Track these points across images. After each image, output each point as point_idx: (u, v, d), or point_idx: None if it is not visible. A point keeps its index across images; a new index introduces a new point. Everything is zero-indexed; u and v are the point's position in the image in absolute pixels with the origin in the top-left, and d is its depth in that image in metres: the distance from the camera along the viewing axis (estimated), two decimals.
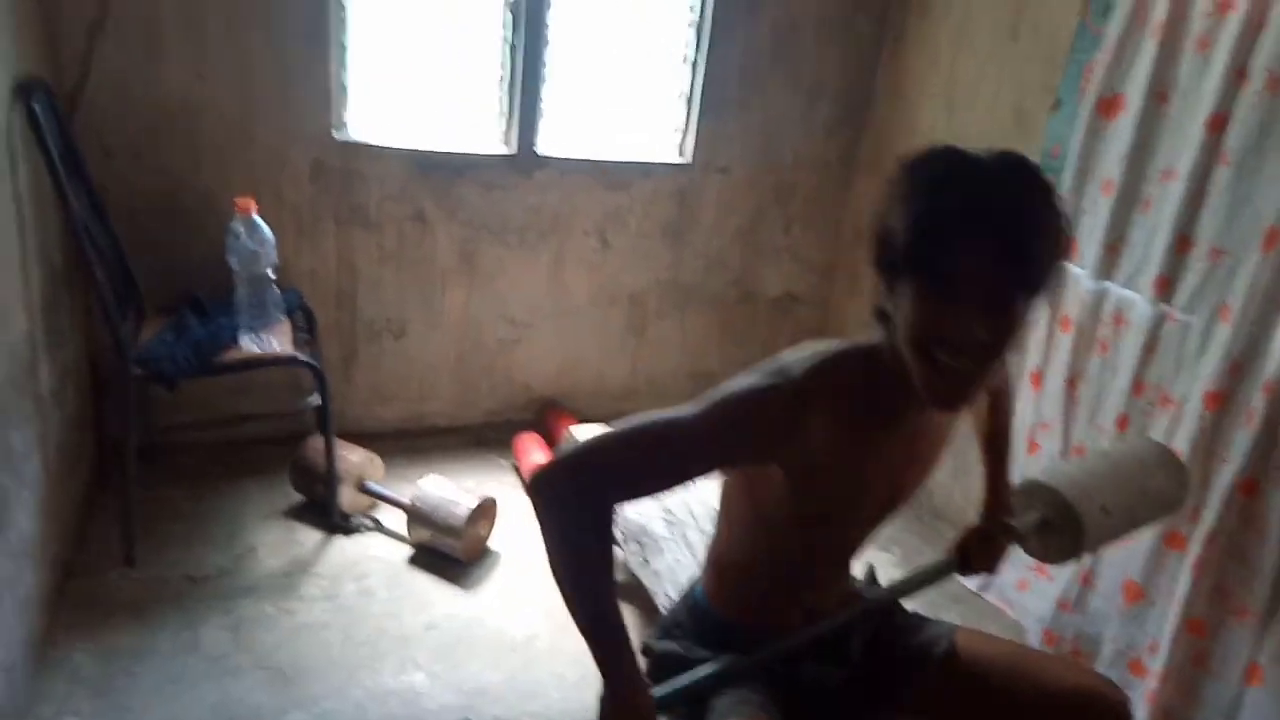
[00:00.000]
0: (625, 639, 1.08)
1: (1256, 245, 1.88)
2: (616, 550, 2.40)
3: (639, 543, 2.24)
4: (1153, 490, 1.53)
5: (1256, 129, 1.91)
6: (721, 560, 1.36)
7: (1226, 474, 1.94)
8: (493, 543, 2.53)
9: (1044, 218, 0.99)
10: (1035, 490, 1.49)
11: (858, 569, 1.52)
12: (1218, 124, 1.98)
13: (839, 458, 1.12)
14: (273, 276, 2.33)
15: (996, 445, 1.53)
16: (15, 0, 2.01)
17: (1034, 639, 2.40)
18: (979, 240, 0.96)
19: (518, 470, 2.90)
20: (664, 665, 1.32)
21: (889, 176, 1.05)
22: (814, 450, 1.09)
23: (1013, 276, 0.97)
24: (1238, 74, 1.94)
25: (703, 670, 1.25)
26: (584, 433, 2.50)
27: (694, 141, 3.08)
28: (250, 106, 2.53)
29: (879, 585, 1.51)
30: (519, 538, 2.58)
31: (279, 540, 2.43)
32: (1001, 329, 0.98)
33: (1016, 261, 0.96)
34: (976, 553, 1.49)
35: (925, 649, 1.37)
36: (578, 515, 1.04)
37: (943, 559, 1.50)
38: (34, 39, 2.16)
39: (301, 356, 2.31)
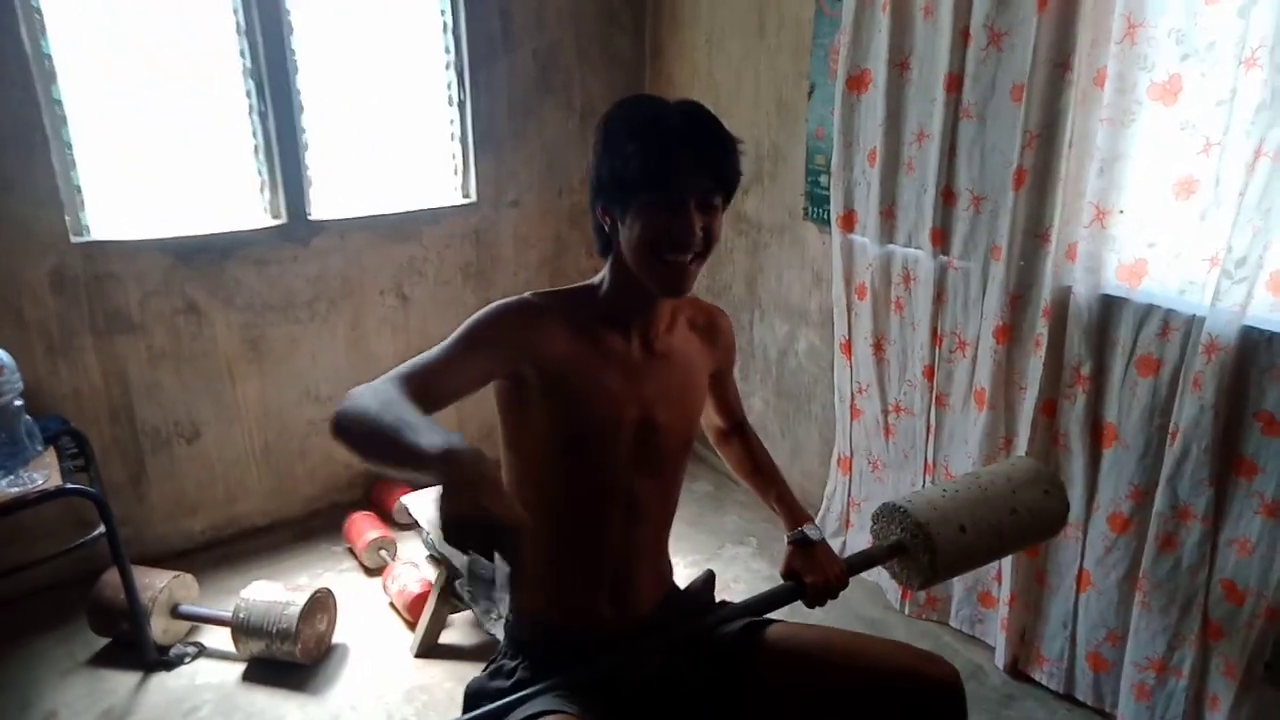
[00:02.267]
0: (426, 423, 1.01)
1: (1008, 186, 1.99)
2: (469, 613, 2.27)
3: (489, 599, 2.11)
4: (1024, 507, 1.46)
5: (988, 82, 2.03)
6: None
7: (1029, 400, 2.04)
8: (337, 637, 2.33)
9: (722, 129, 1.22)
10: (891, 514, 1.45)
11: (699, 576, 1.48)
12: (954, 83, 2.09)
13: (580, 365, 1.24)
14: (21, 405, 2.06)
15: (764, 471, 1.58)
16: None
17: (892, 596, 2.45)
18: (678, 151, 1.17)
19: (353, 554, 2.70)
20: (470, 703, 1.32)
21: (598, 129, 1.24)
22: (555, 356, 1.22)
23: (715, 181, 1.20)
24: (962, 35, 2.06)
25: (508, 700, 1.18)
26: (419, 501, 2.35)
27: (475, 180, 3.01)
28: None
29: (710, 593, 1.46)
30: (363, 623, 2.39)
31: (84, 694, 2.14)
32: (710, 224, 1.21)
33: (718, 169, 1.20)
34: (803, 568, 1.41)
35: (723, 658, 1.33)
36: (361, 406, 1.07)
37: (779, 586, 1.43)
38: None
39: (71, 485, 2.05)
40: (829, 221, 2.50)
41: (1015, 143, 1.96)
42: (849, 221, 2.44)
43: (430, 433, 0.99)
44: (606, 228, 1.26)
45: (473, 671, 1.39)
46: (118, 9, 2.38)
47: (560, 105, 3.11)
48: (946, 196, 2.19)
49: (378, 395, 1.08)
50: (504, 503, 0.94)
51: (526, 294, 1.27)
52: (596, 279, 1.30)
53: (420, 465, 0.98)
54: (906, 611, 2.41)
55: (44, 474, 2.07)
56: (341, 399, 1.11)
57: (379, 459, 1.07)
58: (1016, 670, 2.18)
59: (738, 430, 1.61)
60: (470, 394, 1.20)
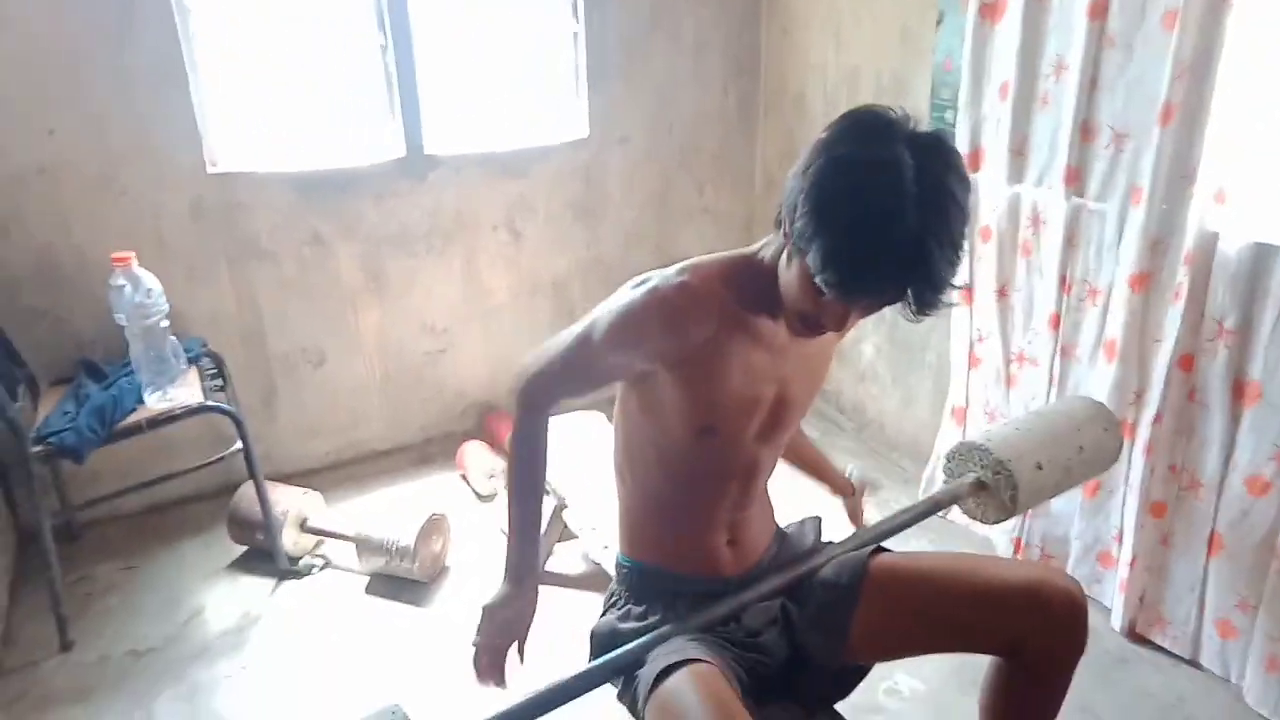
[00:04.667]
0: (532, 541, 1.32)
1: (1154, 122, 1.86)
2: (578, 542, 2.34)
3: (594, 529, 2.17)
4: (1088, 445, 1.52)
5: (1137, 8, 1.88)
6: (631, 510, 1.38)
7: (1163, 354, 1.93)
8: (449, 558, 2.44)
9: (952, 263, 1.00)
10: (970, 452, 1.48)
11: (804, 520, 1.49)
12: (1099, 10, 1.95)
13: (721, 349, 1.19)
14: (166, 327, 2.20)
15: (807, 448, 1.64)
16: None
17: (1003, 549, 2.39)
18: (875, 288, 1.02)
19: (465, 480, 2.80)
20: (600, 643, 1.34)
21: (815, 154, 1.02)
22: (697, 345, 1.17)
23: (906, 311, 1.04)
24: None
25: (636, 642, 1.23)
26: None
27: (588, 116, 3.00)
28: (112, 156, 2.38)
29: (817, 535, 1.47)
30: (475, 548, 2.50)
31: (225, 597, 2.32)
32: (865, 317, 1.13)
33: (903, 302, 1.03)
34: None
35: (834, 585, 1.33)
36: (528, 424, 1.30)
37: (885, 519, 1.45)
38: None
39: (213, 403, 2.19)
40: None
41: (1164, 74, 1.82)
42: (975, 159, 2.33)
43: (520, 544, 1.30)
44: (783, 230, 1.09)
45: (578, 598, 1.43)
46: None
47: (671, 39, 3.05)
48: (1084, 133, 2.06)
49: (527, 459, 1.31)
50: (508, 654, 1.30)
51: (685, 271, 1.18)
52: (761, 251, 1.21)
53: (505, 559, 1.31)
54: None
55: (188, 391, 2.22)
56: (523, 380, 1.29)
57: (507, 492, 1.34)
58: (1134, 633, 2.11)
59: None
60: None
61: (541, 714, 1.11)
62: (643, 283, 1.19)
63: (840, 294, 1.02)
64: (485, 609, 1.29)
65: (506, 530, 1.31)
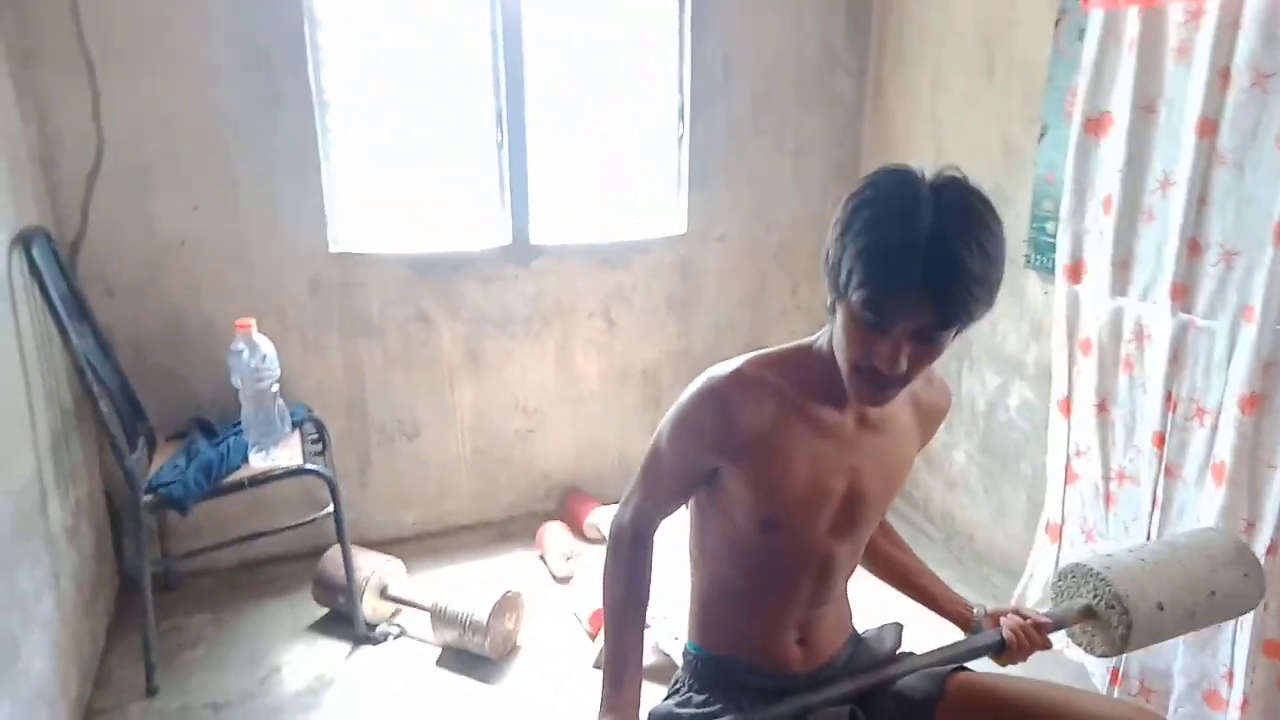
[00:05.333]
0: (630, 672, 1.28)
1: (1268, 241, 1.81)
2: (649, 632, 2.31)
3: (666, 618, 2.14)
4: (1221, 589, 1.37)
5: (1250, 127, 1.86)
6: (702, 598, 1.37)
7: (1277, 481, 1.83)
8: (521, 637, 2.44)
9: (973, 267, 1.01)
10: (1085, 576, 1.38)
11: (885, 625, 1.44)
12: (1208, 128, 1.93)
13: (781, 440, 1.18)
14: (276, 391, 2.33)
15: (917, 574, 1.49)
16: (15, 157, 2.10)
17: (1099, 681, 2.24)
18: (910, 300, 1.02)
19: (543, 560, 2.82)
20: None
21: (844, 202, 1.08)
22: (755, 433, 1.17)
23: (936, 321, 1.03)
24: (1221, 75, 1.90)
25: None
26: (607, 517, 2.43)
27: (687, 213, 3.09)
28: (245, 232, 2.58)
29: (896, 642, 1.41)
30: (547, 629, 2.49)
31: (303, 656, 2.37)
32: (921, 359, 1.08)
33: (942, 308, 1.02)
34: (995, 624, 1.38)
35: (909, 700, 1.27)
36: (623, 553, 1.32)
37: (974, 636, 1.38)
38: (33, 193, 2.25)
39: (310, 466, 2.29)
40: (1053, 270, 2.36)
41: (1278, 192, 1.78)
42: (1076, 272, 2.30)
43: (614, 676, 1.28)
44: (829, 299, 1.14)
45: (648, 689, 1.42)
46: (383, 44, 2.67)
47: (772, 145, 3.14)
48: (1192, 249, 2.01)
49: (622, 592, 1.32)
50: None
51: (740, 364, 1.20)
52: (819, 339, 1.22)
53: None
54: (1114, 697, 2.20)
55: (290, 454, 2.33)
56: (617, 513, 1.34)
57: (605, 627, 1.34)
58: None
59: (884, 528, 1.51)
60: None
61: None
62: (703, 378, 1.21)
63: (873, 305, 1.03)
64: None
65: (603, 664, 1.30)
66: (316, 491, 2.52)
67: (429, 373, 2.88)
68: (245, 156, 2.52)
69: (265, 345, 2.30)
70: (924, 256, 0.99)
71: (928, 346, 1.07)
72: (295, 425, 2.48)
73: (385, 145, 2.74)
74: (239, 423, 2.37)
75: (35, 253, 2.04)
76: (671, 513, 1.33)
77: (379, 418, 2.86)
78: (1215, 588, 1.37)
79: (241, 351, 2.27)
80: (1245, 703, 1.89)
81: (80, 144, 2.37)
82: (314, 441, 2.53)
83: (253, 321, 2.29)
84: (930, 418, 1.33)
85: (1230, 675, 1.94)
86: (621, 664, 1.28)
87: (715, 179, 3.09)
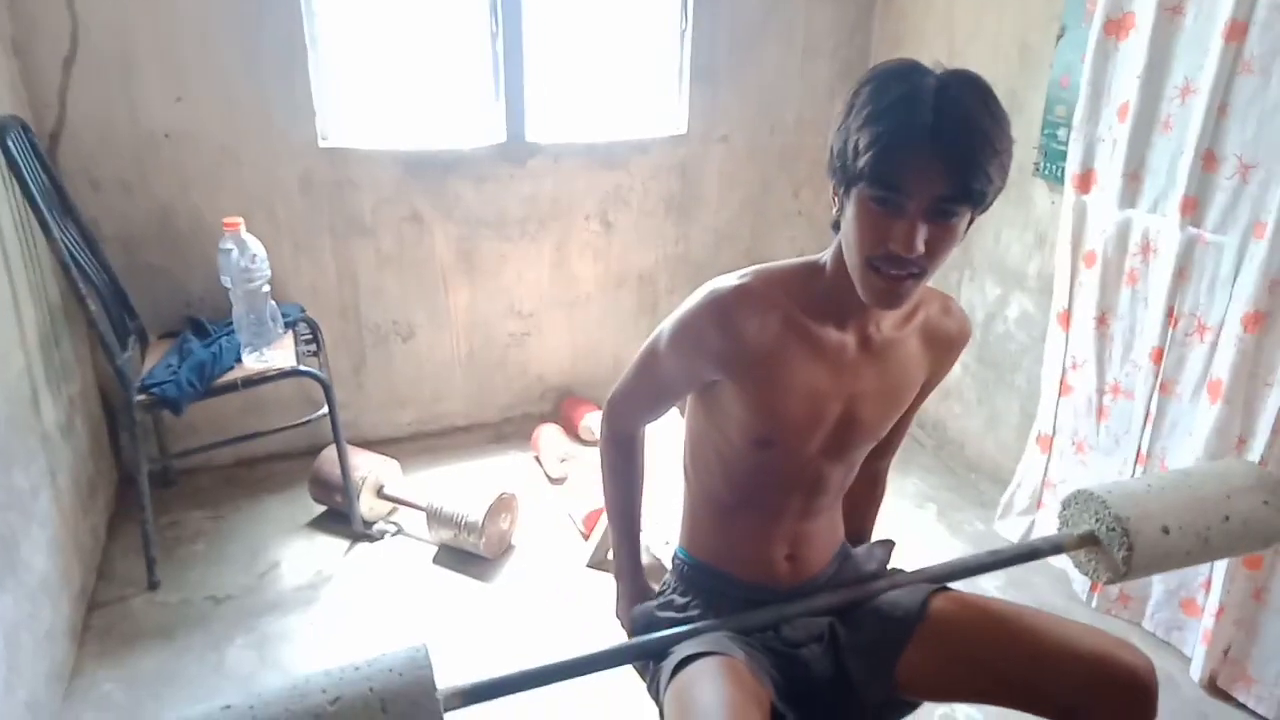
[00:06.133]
0: (635, 544, 1.43)
1: None
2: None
3: (658, 523, 2.17)
4: (1238, 515, 1.31)
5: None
6: (693, 509, 1.39)
7: (1273, 399, 1.83)
8: (516, 537, 2.48)
9: (987, 134, 0.99)
10: (1087, 501, 1.34)
11: (875, 543, 1.45)
12: (1237, 31, 1.85)
13: (781, 359, 1.16)
14: (267, 292, 2.30)
15: (861, 529, 1.52)
16: None
17: (1080, 589, 2.30)
18: (921, 158, 0.98)
19: (539, 461, 2.85)
20: (638, 626, 1.38)
21: (850, 91, 1.06)
22: (756, 350, 1.15)
23: (953, 193, 1.00)
24: None
25: (679, 629, 1.22)
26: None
27: (689, 113, 3.00)
28: (232, 125, 2.49)
29: (885, 558, 1.42)
30: (542, 529, 2.53)
31: (301, 553, 2.41)
32: (941, 237, 1.03)
33: (958, 178, 0.99)
34: None
35: (888, 618, 1.27)
36: (614, 444, 1.39)
37: (963, 557, 1.37)
38: (6, 80, 2.15)
39: (304, 368, 2.28)
40: (1062, 179, 2.30)
41: None
42: (1086, 181, 2.24)
43: (623, 552, 1.44)
44: (835, 205, 1.11)
45: None
46: None
47: (781, 41, 3.02)
48: (1207, 161, 1.96)
49: (616, 483, 1.42)
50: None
51: (744, 277, 1.16)
52: (823, 256, 1.18)
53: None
54: (1094, 605, 2.26)
55: (283, 355, 2.31)
56: (606, 408, 1.38)
57: (606, 509, 1.47)
58: (1214, 686, 2.00)
59: (876, 476, 1.48)
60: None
61: (565, 679, 1.13)
62: (707, 288, 1.19)
63: (884, 173, 0.99)
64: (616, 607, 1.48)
65: (614, 558, 1.46)
66: (312, 391, 2.52)
67: (423, 274, 2.84)
68: (229, 42, 2.42)
69: (255, 245, 2.26)
70: (932, 110, 0.97)
71: (944, 225, 1.02)
72: (288, 326, 2.45)
73: (374, 33, 2.63)
74: (230, 323, 2.34)
75: (10, 143, 1.96)
76: (660, 415, 1.35)
77: (373, 319, 2.83)
78: (1230, 513, 1.31)
79: (230, 251, 2.23)
80: (1221, 611, 1.94)
81: (54, 26, 2.26)
82: (308, 342, 2.51)
83: (241, 220, 2.24)
84: (943, 347, 1.28)
85: (1208, 584, 1.99)
86: (630, 556, 1.43)
87: (719, 77, 2.98)
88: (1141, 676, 1.14)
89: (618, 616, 1.47)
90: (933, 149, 0.97)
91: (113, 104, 2.38)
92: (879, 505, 1.53)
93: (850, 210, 1.06)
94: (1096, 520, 1.32)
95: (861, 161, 1.00)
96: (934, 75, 1.01)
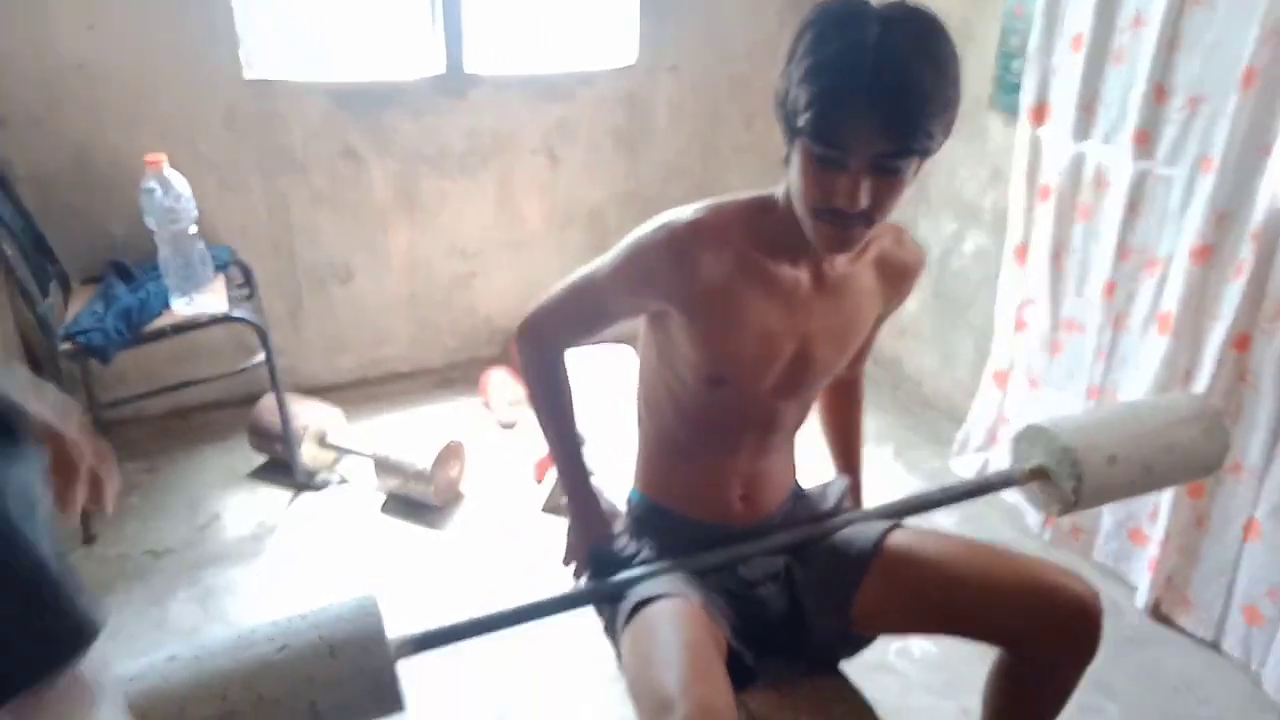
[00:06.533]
0: (579, 461, 1.33)
1: (1234, 87, 1.75)
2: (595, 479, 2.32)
3: (610, 464, 2.15)
4: (1180, 445, 1.36)
5: None
6: (647, 450, 1.37)
7: (1218, 331, 1.84)
8: (465, 484, 2.44)
9: (927, 93, 0.97)
10: (1036, 435, 1.37)
11: (831, 482, 1.44)
12: None
13: (734, 296, 1.14)
14: (195, 234, 2.18)
15: (850, 440, 1.52)
16: None
17: (1033, 522, 2.34)
18: (859, 117, 0.97)
19: (487, 406, 2.79)
20: (599, 568, 1.34)
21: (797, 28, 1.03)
22: (709, 287, 1.13)
23: (896, 147, 0.99)
24: None
25: (635, 571, 1.22)
26: None
27: (638, 42, 2.89)
28: (150, 56, 2.33)
29: (840, 498, 1.42)
30: (492, 475, 2.49)
31: (242, 504, 2.34)
32: (886, 188, 1.02)
33: (897, 137, 0.98)
34: None
35: (843, 555, 1.28)
36: (538, 361, 1.30)
37: (913, 495, 1.40)
38: None
39: (236, 313, 2.18)
40: (1017, 112, 2.27)
41: (1250, 37, 1.70)
42: (1040, 114, 2.21)
43: (571, 469, 1.33)
44: (785, 144, 1.09)
45: None
46: None
47: None
48: (1158, 94, 1.94)
49: (546, 395, 1.31)
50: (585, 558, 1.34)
51: (699, 211, 1.13)
52: (776, 191, 1.16)
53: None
54: (1046, 538, 2.30)
55: (215, 299, 2.20)
56: (529, 318, 1.28)
57: (540, 426, 1.34)
58: (1158, 612, 2.06)
59: (852, 383, 1.48)
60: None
61: (517, 624, 1.14)
62: (663, 218, 1.15)
63: (824, 132, 0.98)
64: (567, 534, 1.37)
65: (559, 472, 1.35)
66: (248, 338, 2.41)
67: (360, 213, 2.73)
68: None
69: (180, 183, 2.13)
70: (870, 69, 0.95)
71: (887, 178, 1.01)
72: (219, 269, 2.33)
73: None
74: (157, 267, 2.22)
75: None
76: (585, 341, 1.29)
77: (309, 261, 2.71)
78: (1173, 443, 1.36)
79: (154, 190, 2.10)
80: (1166, 539, 1.99)
81: None
82: (240, 286, 2.39)
83: (164, 156, 2.10)
84: (897, 278, 1.27)
85: (1155, 514, 2.03)
86: (578, 478, 1.34)
87: (667, 4, 2.87)
88: (1088, 604, 1.17)
89: (571, 557, 1.36)
90: (870, 108, 0.96)
91: (17, 32, 2.21)
92: (860, 412, 1.52)
93: (795, 160, 1.05)
94: (1047, 454, 1.35)
95: (802, 120, 0.99)
96: (877, 21, 0.96)
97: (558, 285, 1.26)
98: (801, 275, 1.17)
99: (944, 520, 2.31)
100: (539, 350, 1.29)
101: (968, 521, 2.32)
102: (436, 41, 2.64)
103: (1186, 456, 1.37)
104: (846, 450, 1.52)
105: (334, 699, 0.99)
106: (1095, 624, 1.17)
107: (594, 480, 1.37)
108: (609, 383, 2.31)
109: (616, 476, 2.13)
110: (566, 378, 1.31)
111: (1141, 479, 1.36)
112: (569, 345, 1.29)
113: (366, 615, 1.04)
